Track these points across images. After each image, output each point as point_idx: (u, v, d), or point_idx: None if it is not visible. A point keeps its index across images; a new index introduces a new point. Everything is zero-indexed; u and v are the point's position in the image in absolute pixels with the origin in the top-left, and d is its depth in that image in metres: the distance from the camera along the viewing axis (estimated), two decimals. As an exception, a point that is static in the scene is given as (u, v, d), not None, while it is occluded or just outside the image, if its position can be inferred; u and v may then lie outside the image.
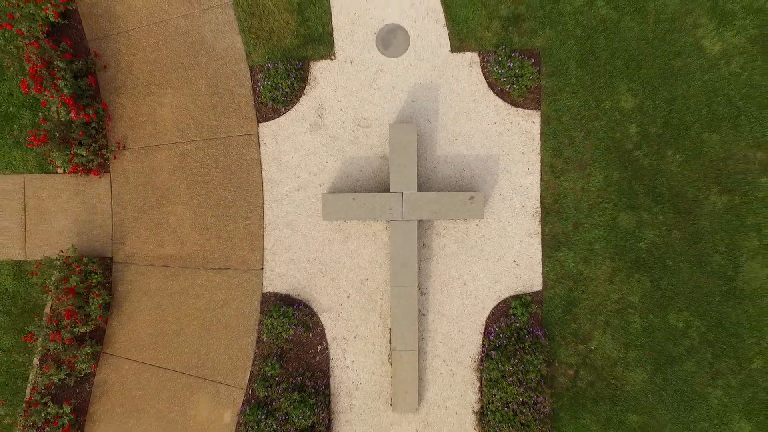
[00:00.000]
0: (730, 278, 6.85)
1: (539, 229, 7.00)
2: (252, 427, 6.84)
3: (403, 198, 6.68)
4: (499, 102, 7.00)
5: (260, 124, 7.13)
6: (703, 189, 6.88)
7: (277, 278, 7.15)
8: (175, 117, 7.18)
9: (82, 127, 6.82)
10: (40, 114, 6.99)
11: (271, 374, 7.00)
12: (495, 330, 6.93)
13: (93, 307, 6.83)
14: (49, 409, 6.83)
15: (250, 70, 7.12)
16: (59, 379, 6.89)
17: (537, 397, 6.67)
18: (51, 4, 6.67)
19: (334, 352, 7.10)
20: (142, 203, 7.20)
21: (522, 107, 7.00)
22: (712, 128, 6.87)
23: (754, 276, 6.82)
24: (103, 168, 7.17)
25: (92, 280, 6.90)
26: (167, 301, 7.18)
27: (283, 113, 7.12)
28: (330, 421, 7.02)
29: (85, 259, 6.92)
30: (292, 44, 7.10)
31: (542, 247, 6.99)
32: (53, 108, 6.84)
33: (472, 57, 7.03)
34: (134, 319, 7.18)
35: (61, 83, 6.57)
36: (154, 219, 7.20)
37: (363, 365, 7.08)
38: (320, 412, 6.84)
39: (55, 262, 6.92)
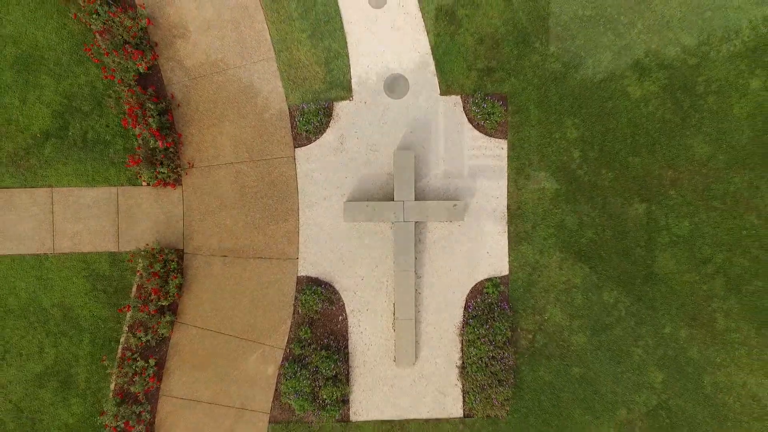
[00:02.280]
0: (648, 266, 9.14)
1: (506, 229, 9.28)
2: (290, 377, 9.12)
3: (404, 205, 8.99)
4: (476, 133, 9.31)
5: (296, 149, 9.45)
6: (629, 198, 9.18)
7: (309, 265, 9.46)
8: (231, 143, 9.49)
9: (164, 152, 9.12)
10: (134, 142, 9.29)
11: (305, 337, 9.30)
12: (472, 304, 9.21)
13: (171, 287, 9.13)
14: (138, 363, 9.12)
15: (289, 109, 9.43)
16: (146, 341, 9.17)
17: (503, 353, 8.95)
18: (144, 60, 8.98)
19: (352, 321, 9.39)
20: (207, 208, 9.51)
21: (493, 137, 9.30)
22: (635, 153, 9.18)
23: (666, 264, 9.13)
24: (177, 182, 9.46)
25: (170, 266, 9.20)
26: (225, 283, 9.49)
27: (314, 141, 9.44)
28: (348, 372, 9.31)
29: (165, 250, 9.21)
30: (320, 89, 9.42)
31: (508, 242, 9.27)
32: (143, 137, 9.12)
33: (456, 99, 9.35)
34: (200, 296, 9.48)
35: (150, 120, 8.88)
36: (215, 220, 9.50)
37: (373, 331, 9.37)
38: (341, 365, 9.13)
39: (143, 252, 9.20)
